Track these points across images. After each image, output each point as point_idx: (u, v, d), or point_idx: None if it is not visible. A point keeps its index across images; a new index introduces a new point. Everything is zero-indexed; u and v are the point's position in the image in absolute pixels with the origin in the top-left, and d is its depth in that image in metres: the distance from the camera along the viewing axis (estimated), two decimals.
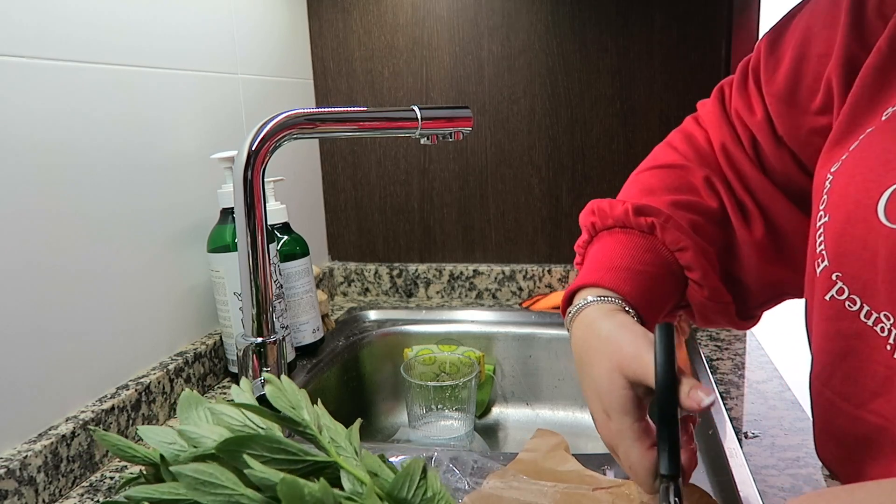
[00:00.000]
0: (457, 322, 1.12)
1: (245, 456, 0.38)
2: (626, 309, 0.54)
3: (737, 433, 0.70)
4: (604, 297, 0.55)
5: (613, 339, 0.50)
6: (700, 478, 0.62)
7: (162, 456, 0.40)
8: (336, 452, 0.41)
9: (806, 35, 0.56)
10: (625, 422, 0.49)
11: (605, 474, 0.64)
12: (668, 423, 0.45)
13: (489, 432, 1.03)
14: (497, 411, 1.07)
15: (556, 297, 1.16)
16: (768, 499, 0.58)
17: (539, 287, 1.22)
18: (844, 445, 0.51)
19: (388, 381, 1.07)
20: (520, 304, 1.20)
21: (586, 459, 0.65)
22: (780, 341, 1.12)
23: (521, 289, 1.22)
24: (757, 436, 0.69)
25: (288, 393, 0.43)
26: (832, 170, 0.50)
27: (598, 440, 1.00)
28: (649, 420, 0.50)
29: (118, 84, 0.74)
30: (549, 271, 1.21)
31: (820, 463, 0.64)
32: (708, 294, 0.59)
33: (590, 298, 0.55)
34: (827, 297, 0.49)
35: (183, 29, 0.85)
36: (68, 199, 0.67)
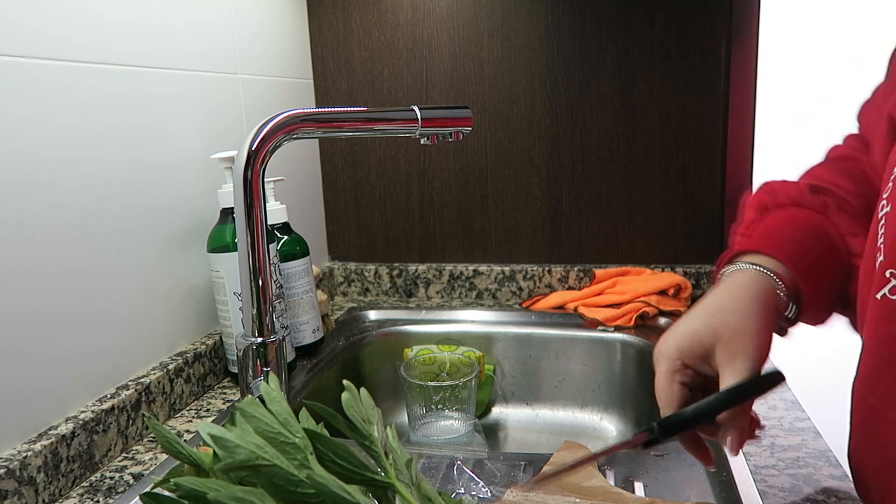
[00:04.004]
0: (457, 322, 1.12)
1: (309, 456, 0.38)
2: (779, 290, 0.52)
3: None
4: (760, 266, 0.53)
5: (729, 311, 0.49)
6: (700, 477, 0.62)
7: (215, 453, 0.40)
8: (396, 476, 0.41)
9: None
10: (670, 362, 0.50)
11: (605, 475, 0.64)
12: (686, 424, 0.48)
13: (489, 432, 1.03)
14: (497, 411, 1.07)
15: (556, 297, 1.16)
16: (768, 499, 0.58)
17: (539, 287, 1.22)
18: (883, 455, 0.49)
19: (388, 381, 1.07)
20: (520, 304, 1.20)
21: None
22: (780, 341, 1.12)
23: (521, 289, 1.22)
24: (757, 436, 0.69)
25: (364, 405, 0.43)
26: None
27: (598, 440, 1.01)
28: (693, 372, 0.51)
29: (118, 84, 0.74)
30: (549, 271, 1.21)
31: (820, 463, 0.64)
32: None
33: (744, 265, 0.53)
34: (878, 296, 0.46)
35: (183, 29, 0.85)
36: (68, 198, 0.67)
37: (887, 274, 0.46)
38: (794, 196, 0.57)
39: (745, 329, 0.49)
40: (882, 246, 0.46)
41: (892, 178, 0.47)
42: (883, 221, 0.47)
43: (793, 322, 0.56)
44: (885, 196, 0.47)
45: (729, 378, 0.48)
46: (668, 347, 0.51)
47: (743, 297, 0.50)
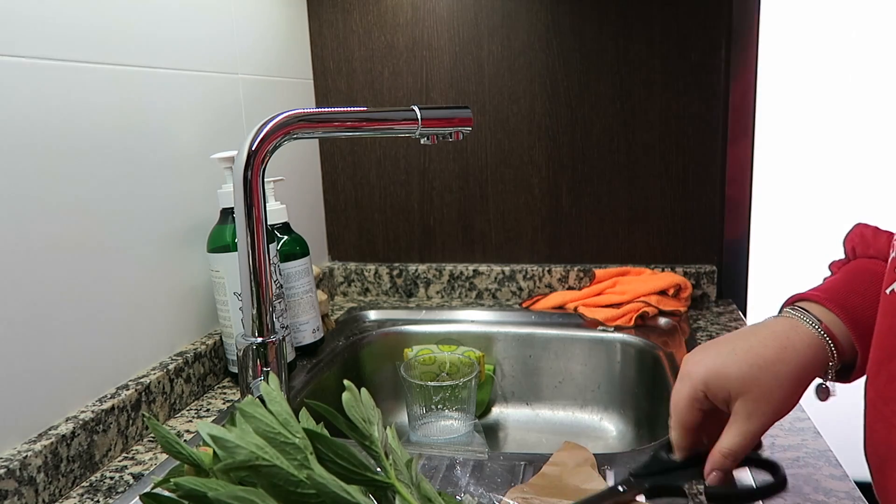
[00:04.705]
0: (457, 322, 1.12)
1: (309, 456, 0.39)
2: (830, 361, 0.52)
3: None
4: (824, 333, 0.52)
5: (769, 372, 0.50)
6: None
7: (215, 453, 0.40)
8: (395, 476, 0.41)
9: None
10: (695, 391, 0.52)
11: (604, 475, 0.64)
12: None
13: (489, 432, 1.03)
14: (497, 411, 1.07)
15: (556, 297, 1.16)
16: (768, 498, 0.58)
17: (539, 287, 1.22)
18: (881, 453, 0.49)
19: (388, 381, 1.07)
20: (520, 304, 1.20)
21: None
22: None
23: (521, 289, 1.22)
24: None
25: (365, 405, 0.44)
26: None
27: (598, 440, 1.01)
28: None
29: (118, 84, 0.74)
30: (549, 271, 1.21)
31: (820, 463, 0.64)
32: None
33: (810, 323, 0.53)
34: (887, 291, 0.47)
35: (183, 29, 0.85)
36: (68, 199, 0.67)
37: None
38: (883, 250, 0.56)
39: (773, 395, 0.50)
40: (895, 242, 0.47)
41: None
42: None
43: (844, 380, 0.55)
44: None
45: (735, 430, 0.50)
46: (697, 375, 0.52)
47: (789, 362, 0.51)
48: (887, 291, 0.47)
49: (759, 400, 0.50)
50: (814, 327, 0.52)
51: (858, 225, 0.60)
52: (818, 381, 0.55)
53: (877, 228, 0.59)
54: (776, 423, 0.71)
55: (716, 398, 0.51)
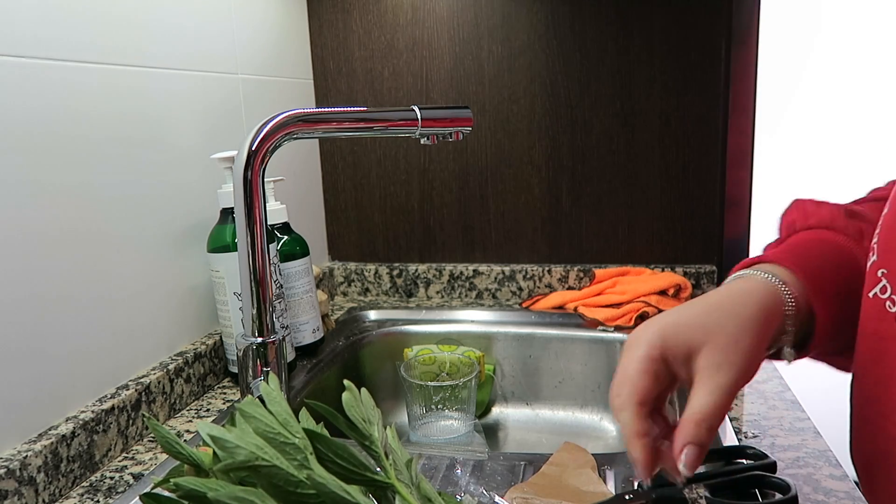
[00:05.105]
0: (457, 322, 1.12)
1: (309, 456, 0.39)
2: (787, 307, 0.47)
3: (737, 433, 0.70)
4: (773, 276, 0.48)
5: (729, 314, 0.44)
6: None
7: (215, 454, 0.39)
8: (395, 476, 0.41)
9: None
10: (650, 349, 0.44)
11: (604, 475, 0.64)
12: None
13: (489, 432, 1.03)
14: (497, 411, 1.07)
15: (556, 297, 1.16)
16: (767, 499, 0.58)
17: (539, 287, 1.22)
18: (865, 455, 0.49)
19: (388, 381, 1.07)
20: (520, 304, 1.20)
21: None
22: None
23: (520, 289, 1.22)
24: (757, 436, 0.69)
25: (365, 405, 0.44)
26: None
27: (598, 440, 1.01)
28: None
29: (118, 84, 0.74)
30: (548, 271, 1.21)
31: (820, 463, 0.64)
32: None
33: (755, 272, 0.49)
34: (870, 295, 0.46)
35: (183, 29, 0.85)
36: (68, 199, 0.67)
37: (879, 273, 0.45)
38: (826, 219, 0.53)
39: (740, 340, 0.44)
40: (875, 246, 0.46)
41: None
42: (881, 222, 0.46)
43: (801, 349, 0.51)
44: (889, 199, 0.47)
45: (705, 387, 0.42)
46: (651, 334, 0.45)
47: (746, 303, 0.46)
48: (870, 295, 0.46)
49: (728, 347, 0.43)
50: (768, 278, 0.48)
51: (796, 201, 0.57)
52: (784, 347, 0.50)
53: (816, 200, 0.56)
54: (776, 424, 0.72)
55: (675, 358, 0.44)
